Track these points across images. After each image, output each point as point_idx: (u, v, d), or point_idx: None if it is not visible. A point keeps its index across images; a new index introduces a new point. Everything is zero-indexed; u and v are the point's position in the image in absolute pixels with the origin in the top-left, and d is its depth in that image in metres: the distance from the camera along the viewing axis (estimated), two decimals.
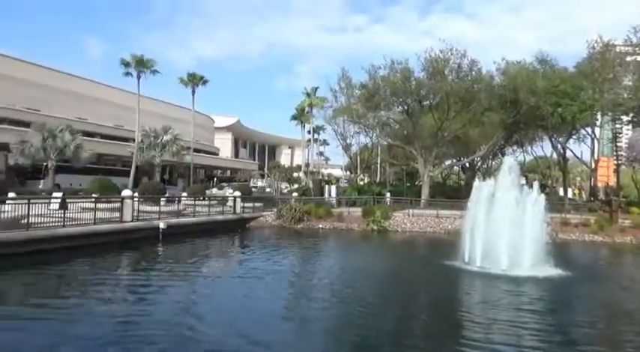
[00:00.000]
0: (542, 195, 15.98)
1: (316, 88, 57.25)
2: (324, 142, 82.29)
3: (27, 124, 38.16)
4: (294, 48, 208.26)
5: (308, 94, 57.92)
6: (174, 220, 21.67)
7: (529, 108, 36.39)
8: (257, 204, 30.51)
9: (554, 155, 47.97)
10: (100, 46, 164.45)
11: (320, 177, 66.88)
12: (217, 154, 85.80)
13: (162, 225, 20.08)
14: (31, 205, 15.53)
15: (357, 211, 30.86)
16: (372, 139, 55.14)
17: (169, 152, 43.64)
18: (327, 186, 47.07)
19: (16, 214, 15.30)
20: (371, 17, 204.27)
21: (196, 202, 24.97)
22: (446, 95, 36.81)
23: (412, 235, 27.42)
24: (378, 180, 59.33)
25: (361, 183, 57.30)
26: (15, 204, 16.05)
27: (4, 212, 15.29)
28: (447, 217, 28.84)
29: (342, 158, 70.28)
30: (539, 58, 39.63)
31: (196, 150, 59.00)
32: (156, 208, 21.90)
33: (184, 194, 28.60)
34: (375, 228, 27.76)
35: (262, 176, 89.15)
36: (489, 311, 10.42)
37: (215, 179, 72.84)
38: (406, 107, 40.42)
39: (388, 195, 39.47)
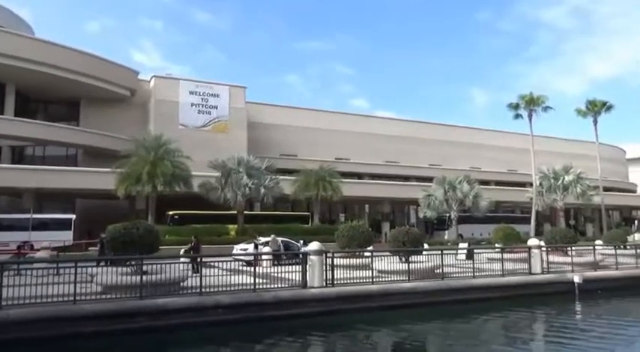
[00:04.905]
0: None
1: None
2: None
3: (430, 179, 41.81)
4: None
5: None
6: (590, 273, 18.57)
7: None
8: None
9: None
10: (484, 94, 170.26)
11: None
12: (635, 191, 72.76)
13: (577, 279, 17.60)
14: (443, 256, 16.32)
15: None
16: None
17: (573, 194, 39.75)
18: None
19: (431, 264, 16.36)
20: None
21: (617, 251, 20.75)
22: None
23: None
24: None
25: None
26: (429, 254, 17.33)
27: (420, 262, 16.57)
28: None
29: None
30: None
31: (606, 189, 51.39)
32: (566, 259, 19.38)
33: (599, 242, 24.49)
34: None
35: None
36: None
37: (637, 222, 61.05)
38: None
39: None
